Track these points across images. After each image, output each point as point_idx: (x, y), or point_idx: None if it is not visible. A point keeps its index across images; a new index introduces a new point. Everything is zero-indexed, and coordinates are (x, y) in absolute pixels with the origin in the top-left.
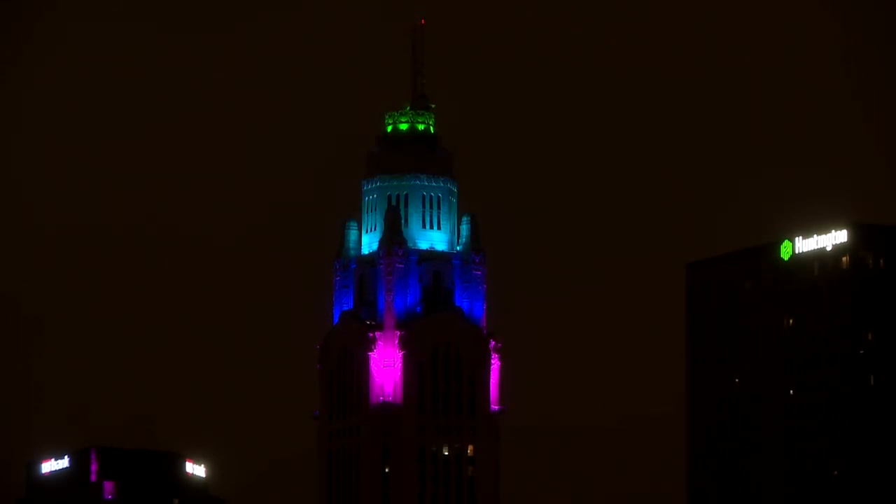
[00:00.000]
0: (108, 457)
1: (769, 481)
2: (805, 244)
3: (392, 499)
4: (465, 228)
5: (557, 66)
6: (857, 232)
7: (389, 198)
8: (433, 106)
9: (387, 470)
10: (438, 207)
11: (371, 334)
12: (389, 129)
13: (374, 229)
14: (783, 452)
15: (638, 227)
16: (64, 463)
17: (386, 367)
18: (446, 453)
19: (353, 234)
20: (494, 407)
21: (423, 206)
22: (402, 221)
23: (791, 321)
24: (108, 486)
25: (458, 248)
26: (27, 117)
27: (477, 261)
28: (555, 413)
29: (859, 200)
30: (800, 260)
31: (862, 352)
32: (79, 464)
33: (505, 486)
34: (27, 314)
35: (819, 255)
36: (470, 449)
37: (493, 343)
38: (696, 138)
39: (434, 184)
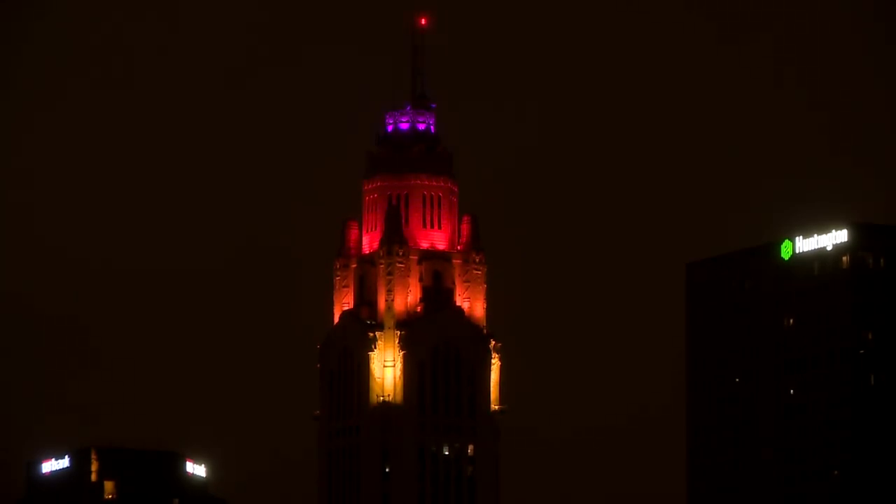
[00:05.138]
0: (108, 457)
1: (769, 481)
2: (805, 244)
3: (392, 499)
4: (465, 228)
5: (558, 66)
6: (857, 232)
7: (389, 198)
8: (433, 106)
9: (387, 470)
10: (438, 207)
11: (371, 334)
12: (390, 129)
13: (374, 229)
14: (783, 452)
15: (638, 227)
16: (64, 463)
17: (386, 366)
18: (446, 453)
19: (353, 234)
20: (494, 407)
21: (423, 206)
22: (403, 221)
23: (791, 321)
24: (108, 486)
25: (458, 248)
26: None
27: (477, 261)
28: (555, 413)
29: (859, 200)
30: (800, 260)
31: (862, 352)
32: (79, 464)
33: (505, 486)
34: (27, 314)
35: (819, 255)
36: (470, 449)
37: (493, 343)
38: (697, 138)
39: (434, 184)
